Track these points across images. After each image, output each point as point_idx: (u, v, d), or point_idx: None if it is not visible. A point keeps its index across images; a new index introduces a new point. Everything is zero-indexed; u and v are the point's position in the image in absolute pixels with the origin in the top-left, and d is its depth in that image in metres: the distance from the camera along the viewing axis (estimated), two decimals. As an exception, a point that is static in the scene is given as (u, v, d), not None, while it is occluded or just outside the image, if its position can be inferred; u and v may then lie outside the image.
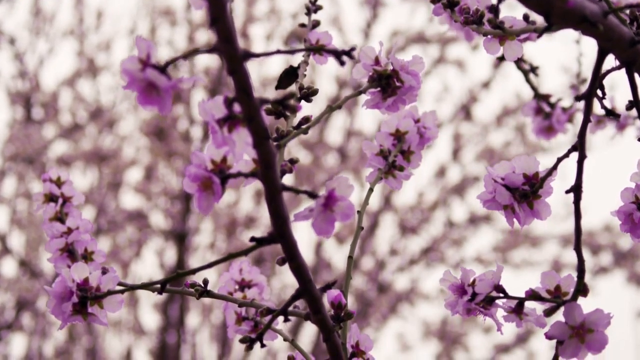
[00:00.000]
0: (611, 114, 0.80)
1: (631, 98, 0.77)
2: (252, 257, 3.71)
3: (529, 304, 0.78)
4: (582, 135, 0.74)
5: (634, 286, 4.82)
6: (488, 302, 0.78)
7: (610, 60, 0.76)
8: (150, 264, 4.85)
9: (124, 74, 0.65)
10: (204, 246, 4.83)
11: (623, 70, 0.76)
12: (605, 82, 0.78)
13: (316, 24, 0.91)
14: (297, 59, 0.89)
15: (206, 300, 4.87)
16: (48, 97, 4.76)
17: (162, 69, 0.65)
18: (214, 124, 0.66)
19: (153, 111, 0.65)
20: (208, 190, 0.69)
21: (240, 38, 4.46)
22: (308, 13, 0.93)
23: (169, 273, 4.79)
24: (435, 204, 4.89)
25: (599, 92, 0.77)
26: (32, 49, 5.00)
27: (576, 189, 0.74)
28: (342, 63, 0.67)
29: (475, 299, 0.78)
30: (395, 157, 0.93)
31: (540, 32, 0.72)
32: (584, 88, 1.47)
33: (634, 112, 1.36)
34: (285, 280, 4.82)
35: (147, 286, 0.78)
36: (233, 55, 0.61)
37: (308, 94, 0.86)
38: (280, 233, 0.67)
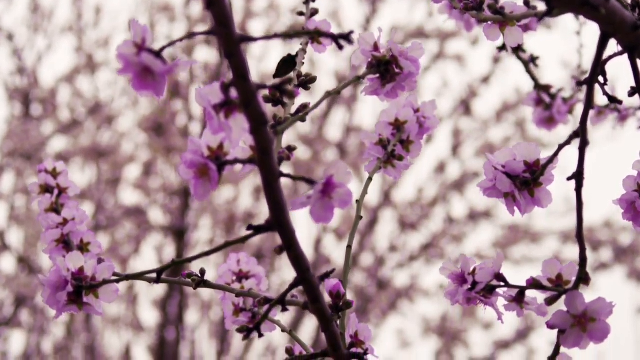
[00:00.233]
0: (613, 100, 0.78)
1: (633, 84, 0.76)
2: (251, 253, 3.69)
3: (530, 293, 0.77)
4: (583, 121, 0.73)
5: (634, 282, 4.81)
6: (488, 291, 0.77)
7: (612, 46, 0.75)
8: (149, 260, 4.85)
9: (119, 58, 0.64)
10: (203, 242, 4.82)
11: (625, 58, 0.75)
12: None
13: (314, 12, 0.90)
14: (295, 50, 0.88)
15: (205, 296, 4.87)
16: (46, 93, 4.76)
17: (157, 53, 0.64)
18: (210, 109, 0.65)
19: (148, 96, 0.64)
20: (204, 177, 0.68)
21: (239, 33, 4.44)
22: (306, 2, 0.92)
23: (168, 270, 4.78)
24: (435, 200, 4.88)
25: (600, 79, 0.76)
26: (30, 45, 4.99)
27: (578, 176, 0.73)
28: (340, 47, 0.66)
29: (476, 287, 0.77)
30: (395, 147, 0.92)
31: (541, 17, 0.71)
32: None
33: (635, 102, 1.35)
34: (285, 277, 4.81)
35: (142, 275, 0.77)
36: (229, 39, 0.60)
37: (306, 81, 0.85)
38: (278, 221, 0.66)
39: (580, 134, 0.73)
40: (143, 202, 4.75)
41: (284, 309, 0.74)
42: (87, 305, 0.78)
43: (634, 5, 0.75)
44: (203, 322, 4.87)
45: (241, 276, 0.96)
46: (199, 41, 4.57)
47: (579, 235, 0.73)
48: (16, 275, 4.35)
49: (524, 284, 0.76)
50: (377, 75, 0.81)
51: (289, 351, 0.87)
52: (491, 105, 4.85)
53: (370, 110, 4.87)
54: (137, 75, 0.65)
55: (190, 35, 0.65)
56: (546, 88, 1.26)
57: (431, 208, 4.90)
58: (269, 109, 0.83)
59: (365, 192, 0.90)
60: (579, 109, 1.27)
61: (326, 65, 4.72)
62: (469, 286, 0.78)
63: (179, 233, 4.63)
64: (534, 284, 0.75)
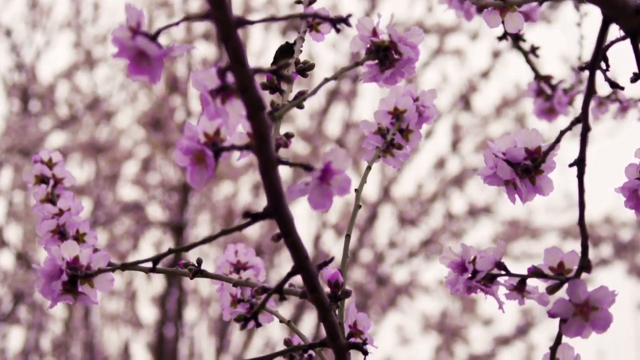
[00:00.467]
0: (615, 86, 0.77)
1: (636, 70, 0.75)
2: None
3: (532, 282, 0.76)
4: (585, 107, 0.72)
5: (634, 278, 4.80)
6: (489, 280, 0.76)
7: (614, 33, 0.74)
8: (147, 256, 4.83)
9: (114, 42, 0.63)
10: (201, 238, 4.80)
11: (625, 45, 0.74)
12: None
13: (313, 0, 0.89)
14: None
15: (204, 293, 4.86)
16: (45, 89, 4.75)
17: (153, 37, 0.63)
18: (206, 95, 0.64)
19: (143, 81, 0.63)
20: (201, 164, 0.67)
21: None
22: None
23: (166, 264, 4.78)
24: (435, 196, 4.87)
25: (602, 65, 0.75)
26: (29, 41, 4.98)
27: (580, 162, 0.72)
28: (337, 30, 0.65)
29: (476, 276, 0.76)
30: (394, 136, 0.91)
31: (541, 1, 0.69)
32: (585, 72, 1.45)
33: (636, 94, 1.34)
34: (284, 273, 4.79)
35: (138, 264, 0.76)
36: (226, 22, 0.59)
37: (304, 68, 0.84)
38: (276, 208, 0.65)
39: (582, 120, 0.72)
40: (141, 197, 4.74)
41: (282, 298, 0.73)
42: (82, 295, 0.76)
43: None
44: (202, 319, 4.86)
45: (239, 267, 0.95)
46: (197, 36, 4.56)
47: (581, 222, 0.72)
48: (14, 271, 4.35)
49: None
50: (376, 61, 0.80)
51: (287, 342, 0.86)
52: (491, 101, 4.84)
53: (370, 106, 4.85)
54: (133, 60, 0.64)
55: (187, 18, 0.64)
56: (547, 79, 1.25)
57: (431, 204, 4.89)
58: (266, 97, 0.82)
59: (364, 181, 0.89)
60: (580, 100, 1.26)
61: (325, 61, 4.71)
62: (469, 275, 0.77)
63: (177, 229, 4.63)
64: (535, 272, 0.74)
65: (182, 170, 4.57)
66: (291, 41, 0.87)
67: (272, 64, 0.86)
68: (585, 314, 0.71)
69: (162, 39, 0.64)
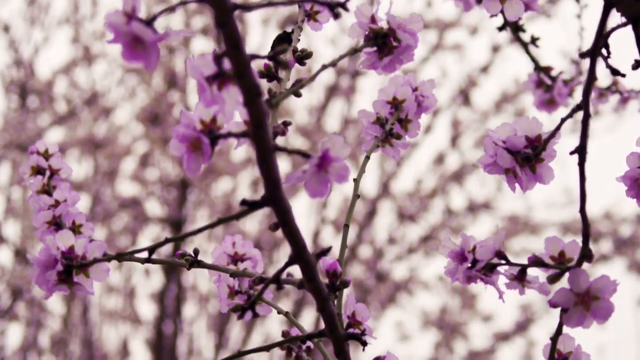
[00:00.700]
0: (616, 72, 0.77)
1: (637, 57, 0.74)
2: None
3: (532, 272, 0.75)
4: (586, 93, 0.71)
5: (634, 274, 4.79)
6: (489, 269, 0.76)
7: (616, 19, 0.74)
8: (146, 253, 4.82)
9: (108, 27, 0.62)
10: (200, 234, 4.80)
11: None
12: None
13: (311, -12, 0.88)
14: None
15: (203, 289, 4.85)
16: (43, 85, 4.74)
17: (148, 22, 0.62)
18: (202, 81, 0.63)
19: (139, 66, 0.62)
20: (197, 152, 0.66)
21: (237, 23, 4.44)
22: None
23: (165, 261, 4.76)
24: (434, 192, 4.86)
25: (604, 52, 0.74)
26: (27, 37, 4.97)
27: (580, 150, 0.71)
28: (336, 16, 0.64)
29: (476, 265, 0.75)
30: (393, 125, 0.90)
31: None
32: (585, 65, 1.44)
33: (636, 85, 1.33)
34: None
35: (134, 253, 0.75)
36: (222, 6, 0.59)
37: (302, 56, 0.83)
38: (273, 196, 0.64)
39: (583, 107, 0.71)
40: (140, 193, 4.73)
41: (279, 288, 0.72)
42: (78, 285, 0.76)
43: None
44: (201, 315, 4.86)
45: (237, 259, 0.94)
46: (195, 32, 4.55)
47: (582, 211, 0.72)
48: (13, 267, 4.34)
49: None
50: (375, 48, 0.79)
51: (285, 334, 0.85)
52: (490, 96, 4.83)
53: (369, 102, 4.83)
54: (128, 45, 0.63)
55: (182, 3, 0.63)
56: (547, 70, 1.24)
57: (430, 200, 4.88)
58: (264, 85, 0.81)
59: (362, 170, 0.88)
60: (580, 92, 1.25)
61: (323, 57, 4.69)
62: (469, 264, 0.76)
63: (176, 225, 4.62)
64: (535, 261, 0.73)
65: (180, 164, 4.57)
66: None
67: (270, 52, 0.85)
68: (586, 303, 0.70)
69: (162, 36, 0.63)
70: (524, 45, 1.24)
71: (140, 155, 4.76)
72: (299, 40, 0.85)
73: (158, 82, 4.77)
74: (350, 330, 0.78)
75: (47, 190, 0.98)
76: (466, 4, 1.12)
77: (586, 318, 0.70)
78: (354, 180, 0.86)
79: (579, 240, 0.73)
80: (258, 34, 5.09)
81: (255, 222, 4.74)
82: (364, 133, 0.91)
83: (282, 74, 0.81)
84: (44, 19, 5.06)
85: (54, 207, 0.95)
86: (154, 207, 4.80)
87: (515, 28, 1.19)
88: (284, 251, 4.69)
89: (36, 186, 0.98)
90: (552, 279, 0.72)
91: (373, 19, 0.79)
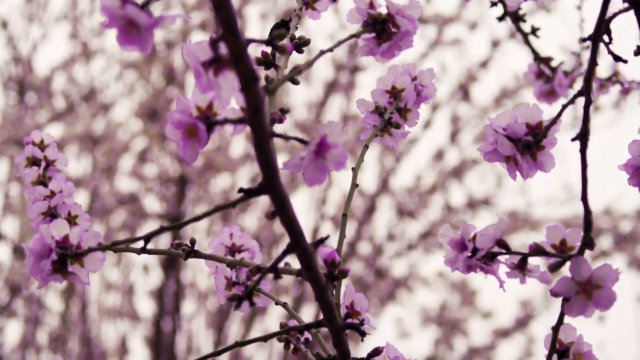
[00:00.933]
0: (618, 59, 0.76)
1: (639, 43, 0.73)
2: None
3: (533, 261, 0.74)
4: (587, 80, 0.70)
5: (634, 270, 4.79)
6: (489, 258, 0.75)
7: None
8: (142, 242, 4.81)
9: (103, 11, 0.61)
10: (199, 230, 4.79)
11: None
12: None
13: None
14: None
15: (202, 286, 4.84)
16: (41, 81, 4.73)
17: (143, 6, 0.61)
18: (198, 67, 0.62)
19: (133, 51, 0.61)
20: (193, 138, 0.65)
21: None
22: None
23: (163, 261, 4.77)
24: (434, 188, 4.85)
25: (605, 38, 0.73)
26: (25, 34, 4.96)
27: (582, 137, 0.70)
28: (334, 0, 0.63)
29: (476, 254, 0.74)
30: (392, 115, 0.89)
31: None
32: (585, 56, 1.43)
33: (637, 76, 1.32)
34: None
35: (129, 242, 0.74)
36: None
37: (300, 44, 0.82)
38: (270, 184, 0.63)
39: (585, 93, 0.70)
40: (138, 189, 4.72)
41: (277, 277, 0.71)
42: (72, 275, 0.75)
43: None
44: (200, 312, 4.85)
45: (234, 250, 0.94)
46: (194, 26, 4.54)
47: (584, 198, 0.71)
48: (11, 264, 4.33)
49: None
50: (373, 34, 0.78)
51: (282, 325, 0.84)
52: (490, 91, 4.81)
53: (368, 98, 4.82)
54: (122, 30, 0.62)
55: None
56: (547, 60, 1.23)
57: (429, 196, 4.86)
58: (261, 72, 0.80)
59: (361, 159, 0.87)
60: (580, 85, 1.24)
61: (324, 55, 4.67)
62: (469, 253, 0.75)
63: (174, 221, 4.60)
64: (537, 250, 0.72)
65: (178, 160, 4.56)
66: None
67: (268, 39, 0.84)
68: (588, 292, 0.69)
69: (161, 33, 0.62)
70: (524, 36, 1.23)
71: (139, 152, 4.75)
72: (297, 28, 0.84)
73: (156, 78, 4.76)
74: (349, 320, 0.77)
75: (42, 181, 0.97)
76: (466, -7, 1.11)
77: (588, 307, 0.69)
78: (352, 169, 0.86)
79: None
80: (256, 28, 5.06)
81: (254, 218, 4.73)
82: (362, 122, 0.90)
83: (279, 61, 0.80)
84: (42, 15, 5.05)
85: (50, 198, 0.94)
86: (152, 204, 4.79)
87: (515, 18, 1.18)
88: (283, 247, 4.68)
89: (32, 177, 0.97)
90: (554, 268, 0.71)
91: (372, 5, 0.78)
